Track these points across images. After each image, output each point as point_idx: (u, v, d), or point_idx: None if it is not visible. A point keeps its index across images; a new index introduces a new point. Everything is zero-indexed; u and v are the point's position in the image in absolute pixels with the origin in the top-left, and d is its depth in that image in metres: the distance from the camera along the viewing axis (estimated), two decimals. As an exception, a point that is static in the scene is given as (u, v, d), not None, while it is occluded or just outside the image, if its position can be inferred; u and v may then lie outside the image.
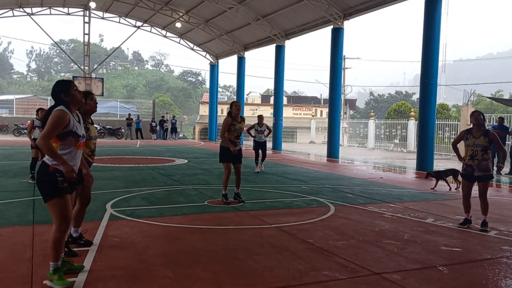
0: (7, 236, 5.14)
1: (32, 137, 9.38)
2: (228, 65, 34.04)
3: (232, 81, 75.65)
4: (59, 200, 3.60)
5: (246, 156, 17.82)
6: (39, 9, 26.30)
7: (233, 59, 28.22)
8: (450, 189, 9.62)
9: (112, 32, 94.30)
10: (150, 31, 29.35)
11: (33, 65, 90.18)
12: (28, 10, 26.03)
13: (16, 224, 5.67)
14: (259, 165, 12.48)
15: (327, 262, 4.45)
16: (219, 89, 37.87)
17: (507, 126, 14.11)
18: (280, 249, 4.87)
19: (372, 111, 36.84)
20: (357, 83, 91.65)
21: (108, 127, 30.43)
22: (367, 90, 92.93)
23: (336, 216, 6.63)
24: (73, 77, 29.81)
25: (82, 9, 27.27)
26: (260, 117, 12.66)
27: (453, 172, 9.76)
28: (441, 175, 9.82)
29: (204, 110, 38.23)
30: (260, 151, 12.52)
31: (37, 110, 9.91)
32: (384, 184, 10.48)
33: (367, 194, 8.88)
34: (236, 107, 7.51)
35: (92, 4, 25.26)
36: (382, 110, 59.68)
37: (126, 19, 28.36)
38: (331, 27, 18.54)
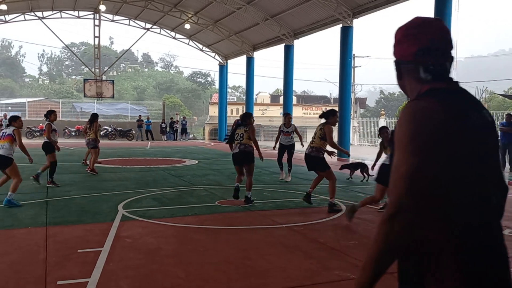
0: (20, 238, 5.20)
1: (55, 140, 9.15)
2: (237, 65, 34.02)
3: (241, 82, 75.73)
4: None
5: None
6: (50, 12, 26.58)
7: (242, 59, 28.24)
8: (363, 179, 10.76)
9: (122, 34, 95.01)
10: (160, 33, 29.50)
11: (44, 68, 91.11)
12: (39, 14, 26.33)
13: (29, 226, 5.74)
14: (285, 173, 10.90)
15: (339, 262, 4.43)
16: (228, 90, 37.93)
17: None
18: (292, 249, 4.87)
19: (382, 109, 36.60)
20: (367, 81, 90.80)
21: (119, 128, 30.65)
22: (377, 88, 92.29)
23: (348, 216, 6.60)
24: (84, 79, 30.08)
25: (92, 12, 27.50)
26: (287, 117, 11.15)
27: (361, 166, 11.03)
28: (350, 167, 11.14)
29: (214, 110, 38.31)
30: (286, 154, 10.97)
31: (49, 113, 9.62)
32: (395, 183, 10.40)
33: (379, 193, 8.81)
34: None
35: (102, 7, 25.45)
36: (393, 109, 59.26)
37: (136, 21, 28.54)
38: (340, 25, 18.46)
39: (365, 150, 25.06)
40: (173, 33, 29.49)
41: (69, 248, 4.74)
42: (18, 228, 5.61)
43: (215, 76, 73.11)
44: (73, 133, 29.20)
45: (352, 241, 5.22)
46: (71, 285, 3.75)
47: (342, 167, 11.36)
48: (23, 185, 9.13)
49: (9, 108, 38.22)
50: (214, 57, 30.79)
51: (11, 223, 5.87)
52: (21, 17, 26.12)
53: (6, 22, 26.26)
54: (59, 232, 5.42)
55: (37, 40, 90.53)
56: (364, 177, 10.77)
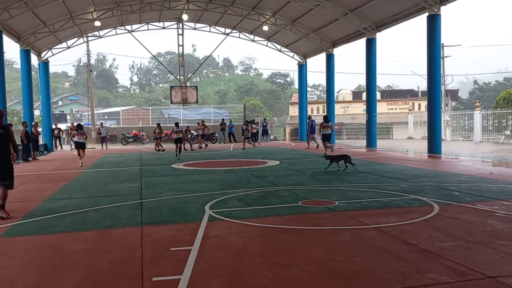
0: (119, 237, 5.59)
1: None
2: (316, 63, 33.79)
3: (321, 80, 74.86)
4: None
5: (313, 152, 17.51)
6: (138, 25, 28.43)
7: (322, 57, 27.86)
8: (345, 168, 11.83)
9: (203, 40, 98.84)
10: (239, 37, 30.16)
11: (135, 78, 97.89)
12: (128, 27, 28.30)
13: (126, 225, 6.15)
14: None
15: (433, 265, 4.15)
16: (308, 89, 37.66)
17: None
18: (381, 250, 4.66)
19: (477, 101, 33.88)
20: (459, 72, 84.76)
21: (201, 132, 31.83)
22: (470, 79, 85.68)
23: (441, 216, 6.18)
24: (171, 87, 31.71)
25: (176, 22, 28.93)
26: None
27: (344, 157, 12.04)
28: (332, 158, 12.22)
29: (294, 110, 38.25)
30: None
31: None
32: (495, 180, 9.55)
33: (476, 191, 8.15)
34: None
35: (185, 17, 26.65)
36: (489, 100, 54.75)
37: (216, 27, 29.49)
38: (427, 14, 17.41)
39: (459, 145, 23.38)
40: (251, 36, 29.97)
41: (162, 247, 4.99)
42: (117, 228, 6.04)
43: (294, 76, 73.15)
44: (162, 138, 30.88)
45: (448, 242, 4.87)
46: (165, 282, 3.94)
47: (326, 157, 12.50)
48: (119, 187, 9.86)
49: (105, 117, 41.60)
50: (292, 57, 30.76)
51: (111, 223, 6.34)
52: (113, 32, 28.26)
53: (100, 37, 28.59)
54: (153, 231, 5.73)
55: (128, 52, 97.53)
56: (346, 166, 11.80)
